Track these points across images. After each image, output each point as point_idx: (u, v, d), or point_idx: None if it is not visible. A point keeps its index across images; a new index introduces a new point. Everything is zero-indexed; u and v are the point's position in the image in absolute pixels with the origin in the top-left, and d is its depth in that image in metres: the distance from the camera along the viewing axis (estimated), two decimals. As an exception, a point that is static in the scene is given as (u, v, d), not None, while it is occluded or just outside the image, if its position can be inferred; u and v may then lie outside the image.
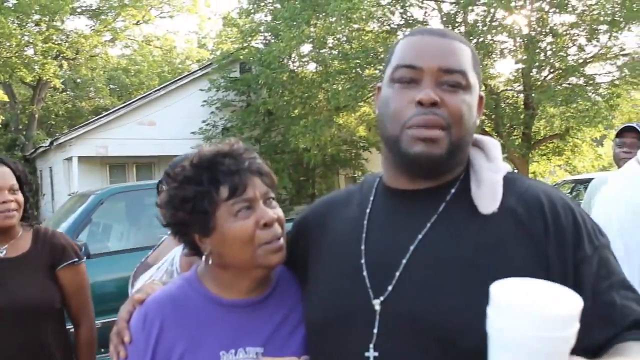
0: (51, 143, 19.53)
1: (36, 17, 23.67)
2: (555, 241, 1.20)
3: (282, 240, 1.42)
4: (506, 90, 18.77)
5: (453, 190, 1.30)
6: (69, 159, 18.32)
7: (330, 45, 17.80)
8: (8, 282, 2.40)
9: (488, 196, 1.25)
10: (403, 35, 1.38)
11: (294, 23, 16.28)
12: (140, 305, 1.46)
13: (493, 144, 1.36)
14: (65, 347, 2.56)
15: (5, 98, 25.20)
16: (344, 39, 17.57)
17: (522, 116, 17.39)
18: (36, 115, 26.76)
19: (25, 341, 2.38)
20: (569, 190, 13.54)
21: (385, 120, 1.31)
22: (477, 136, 1.37)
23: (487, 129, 17.55)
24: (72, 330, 2.66)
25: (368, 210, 1.38)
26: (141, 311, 1.45)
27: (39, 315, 2.43)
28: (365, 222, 1.36)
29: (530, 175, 19.27)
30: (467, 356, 1.12)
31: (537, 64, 16.28)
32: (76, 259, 2.59)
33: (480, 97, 1.35)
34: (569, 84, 16.76)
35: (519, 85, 18.38)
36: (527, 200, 1.25)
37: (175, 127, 18.23)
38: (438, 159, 1.25)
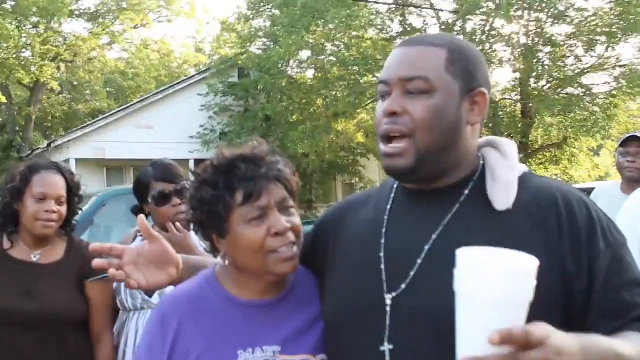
0: (49, 145, 19.49)
1: (34, 19, 23.66)
2: (570, 238, 1.21)
3: (295, 249, 1.42)
4: (504, 99, 18.85)
5: (469, 188, 1.32)
6: (67, 161, 18.27)
7: (329, 51, 17.84)
8: (38, 288, 2.38)
9: (503, 192, 1.27)
10: None
11: (294, 29, 16.30)
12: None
13: (509, 144, 1.38)
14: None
15: (3, 99, 25.12)
16: (343, 45, 17.61)
17: (519, 125, 17.46)
18: (33, 117, 26.71)
19: (50, 350, 2.35)
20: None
21: None
22: (492, 137, 1.40)
23: (484, 137, 17.60)
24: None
25: (389, 207, 1.40)
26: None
27: (65, 326, 2.40)
28: (386, 217, 1.38)
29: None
30: None
31: (535, 73, 16.36)
32: (106, 275, 2.53)
33: (482, 93, 1.33)
34: (566, 93, 16.86)
35: (516, 95, 18.47)
36: (541, 198, 1.27)
37: (173, 131, 18.21)
38: (407, 170, 1.29)
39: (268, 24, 19.44)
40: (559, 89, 17.07)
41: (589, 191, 3.97)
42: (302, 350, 1.43)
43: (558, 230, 1.22)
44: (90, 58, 27.76)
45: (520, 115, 17.82)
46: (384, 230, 1.36)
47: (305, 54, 18.30)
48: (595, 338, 1.11)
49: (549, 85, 17.41)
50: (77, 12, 26.59)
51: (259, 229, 1.38)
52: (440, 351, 1.16)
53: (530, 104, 16.57)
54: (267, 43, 19.35)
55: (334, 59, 17.60)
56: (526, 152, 17.62)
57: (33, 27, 24.33)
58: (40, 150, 21.20)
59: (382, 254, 1.32)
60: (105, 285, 2.50)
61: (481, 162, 1.36)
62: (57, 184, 2.44)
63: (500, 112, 17.87)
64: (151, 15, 28.42)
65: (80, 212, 2.62)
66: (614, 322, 1.19)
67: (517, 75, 17.43)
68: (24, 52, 23.74)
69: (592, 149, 20.15)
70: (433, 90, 1.27)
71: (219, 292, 1.48)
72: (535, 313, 1.14)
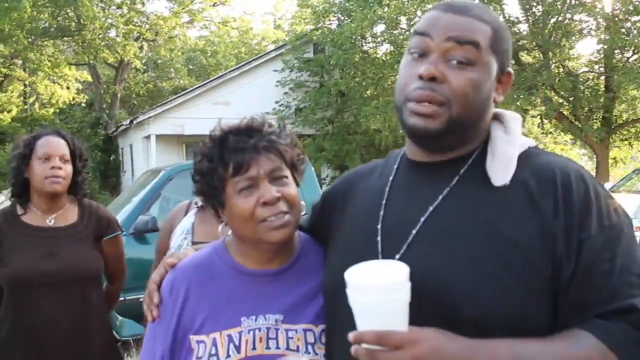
0: (131, 122, 20.24)
1: (118, 0, 24.43)
2: (564, 217, 1.18)
3: (286, 217, 1.44)
4: (586, 72, 18.06)
5: (469, 162, 1.32)
6: (148, 137, 18.94)
7: (404, 26, 17.59)
8: (59, 250, 2.57)
9: (501, 168, 1.25)
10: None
11: (366, 3, 16.16)
12: (171, 270, 1.55)
13: (513, 118, 1.36)
14: (103, 313, 2.76)
15: (90, 78, 26.19)
16: (417, 19, 17.33)
17: (601, 99, 16.72)
18: (118, 95, 27.71)
19: (73, 307, 2.55)
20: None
21: (395, 90, 1.34)
22: (498, 110, 1.37)
23: (564, 112, 16.99)
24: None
25: (391, 179, 1.41)
26: (170, 277, 1.54)
27: (87, 283, 2.61)
28: (387, 189, 1.39)
29: (611, 161, 18.52)
30: (467, 324, 1.13)
31: (620, 44, 15.57)
32: (119, 232, 2.82)
33: (508, 73, 1.33)
34: (653, 65, 15.97)
35: (600, 67, 17.65)
36: (540, 175, 1.24)
37: (249, 107, 18.13)
38: (435, 133, 1.25)
39: (343, -2, 19.37)
40: (646, 60, 16.20)
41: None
42: (304, 319, 1.47)
43: (554, 209, 1.18)
44: (171, 37, 28.41)
45: (603, 89, 17.03)
46: (384, 202, 1.37)
47: (379, 28, 18.13)
48: (504, 342, 1.12)
49: (635, 56, 16.55)
50: (158, -8, 27.26)
51: (248, 199, 1.42)
52: (430, 321, 1.15)
53: (615, 77, 15.77)
54: (342, 18, 19.30)
55: (408, 33, 17.34)
56: (609, 127, 16.88)
57: (117, 8, 25.12)
58: (124, 127, 22.02)
59: (379, 226, 1.33)
60: (118, 240, 2.83)
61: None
62: (59, 144, 2.63)
63: (581, 86, 17.13)
64: (229, -8, 28.76)
65: (80, 174, 2.73)
66: (586, 314, 1.15)
67: (601, 46, 16.63)
68: (108, 32, 24.60)
69: (683, 124, 19.05)
70: (477, 62, 1.24)
71: (226, 260, 1.54)
72: (526, 297, 1.15)
